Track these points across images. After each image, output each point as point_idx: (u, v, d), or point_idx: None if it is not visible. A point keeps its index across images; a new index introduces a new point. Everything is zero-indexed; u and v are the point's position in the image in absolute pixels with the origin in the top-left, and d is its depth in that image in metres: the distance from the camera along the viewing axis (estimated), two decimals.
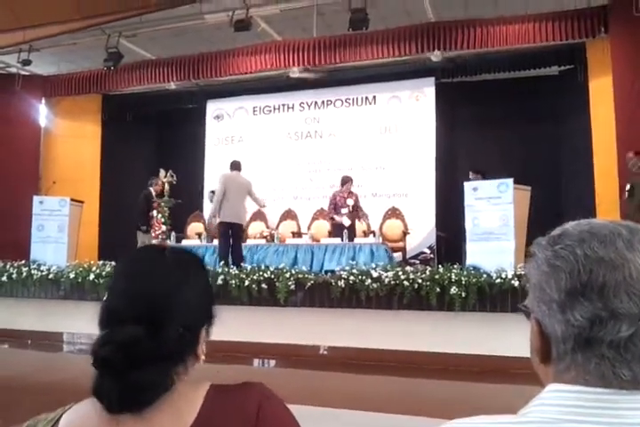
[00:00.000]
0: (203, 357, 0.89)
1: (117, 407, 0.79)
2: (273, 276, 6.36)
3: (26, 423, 0.89)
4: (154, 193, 9.03)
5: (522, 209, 6.41)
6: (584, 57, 8.07)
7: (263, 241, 8.60)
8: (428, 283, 5.72)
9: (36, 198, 8.24)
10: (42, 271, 7.45)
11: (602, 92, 7.49)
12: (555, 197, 8.28)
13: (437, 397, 4.43)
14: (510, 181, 6.30)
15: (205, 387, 0.85)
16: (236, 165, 7.79)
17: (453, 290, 5.59)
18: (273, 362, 6.24)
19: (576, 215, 0.72)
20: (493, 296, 5.54)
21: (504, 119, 9.24)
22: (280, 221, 9.68)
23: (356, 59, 8.62)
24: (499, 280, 5.52)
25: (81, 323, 6.65)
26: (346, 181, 8.29)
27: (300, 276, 6.30)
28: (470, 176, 8.00)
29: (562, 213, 7.91)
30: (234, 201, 7.45)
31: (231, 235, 7.47)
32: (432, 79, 9.70)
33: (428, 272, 5.88)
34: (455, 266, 5.98)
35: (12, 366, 5.92)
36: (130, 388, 0.77)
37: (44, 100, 10.59)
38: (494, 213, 6.29)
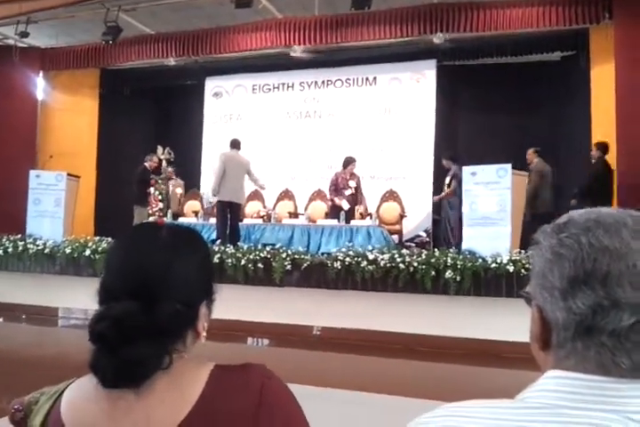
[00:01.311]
0: (204, 333, 0.90)
1: (112, 382, 0.79)
2: (269, 256, 6.38)
3: (29, 396, 0.90)
4: (149, 168, 9.06)
5: (519, 195, 6.43)
6: (587, 43, 8.01)
7: (260, 221, 8.60)
8: (424, 266, 5.75)
9: (32, 172, 8.21)
10: (37, 246, 7.46)
11: (603, 80, 7.44)
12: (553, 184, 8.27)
13: (430, 379, 4.49)
14: (509, 166, 6.30)
15: (210, 367, 0.85)
16: (235, 144, 7.77)
17: (448, 274, 5.62)
18: (267, 341, 6.29)
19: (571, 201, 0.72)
20: (488, 281, 5.58)
21: (504, 104, 9.18)
22: (277, 202, 9.66)
23: (357, 39, 8.52)
24: (494, 265, 5.56)
25: (76, 298, 6.66)
26: (349, 162, 8.26)
27: (297, 256, 6.33)
28: (443, 162, 8.13)
29: (559, 198, 7.90)
30: (232, 180, 7.44)
31: (229, 213, 7.48)
32: (433, 61, 9.62)
33: (423, 255, 5.91)
34: (451, 250, 6.01)
35: (6, 339, 5.96)
36: (124, 363, 0.78)
37: (41, 73, 10.46)
38: (492, 198, 6.30)
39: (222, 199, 7.50)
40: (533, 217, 6.89)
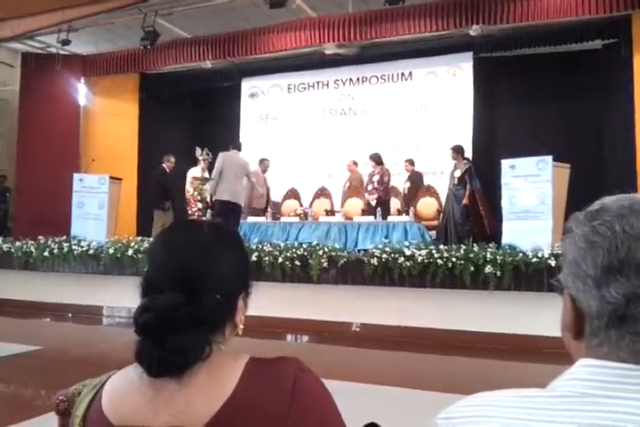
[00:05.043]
0: (241, 326, 0.92)
1: (157, 371, 0.82)
2: (306, 253, 6.41)
3: (72, 387, 0.93)
4: (167, 170, 9.20)
5: (560, 187, 6.27)
6: (629, 30, 7.74)
7: (297, 219, 8.65)
8: (463, 262, 5.69)
9: (76, 176, 8.43)
10: (82, 247, 7.67)
11: None
12: (595, 175, 8.05)
13: (469, 375, 4.44)
14: (549, 158, 6.17)
15: (245, 359, 0.87)
16: (235, 145, 7.92)
17: (488, 269, 5.54)
18: (306, 338, 6.32)
19: (616, 193, 0.70)
20: (529, 275, 5.48)
21: (544, 95, 8.98)
22: (314, 199, 9.69)
23: (392, 34, 8.46)
24: (535, 259, 5.45)
25: (120, 297, 6.86)
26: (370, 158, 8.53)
27: (333, 253, 6.33)
28: (451, 155, 8.18)
29: (602, 191, 7.64)
30: (230, 180, 7.54)
31: (229, 213, 7.52)
32: (470, 54, 9.48)
33: (462, 251, 5.84)
34: (490, 245, 5.92)
35: (54, 338, 6.15)
36: (169, 352, 0.80)
37: (83, 80, 10.74)
38: (532, 191, 6.18)
39: (219, 198, 7.56)
40: None
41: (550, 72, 8.90)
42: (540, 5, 7.58)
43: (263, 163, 9.45)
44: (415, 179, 8.93)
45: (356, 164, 9.35)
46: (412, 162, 8.99)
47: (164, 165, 9.24)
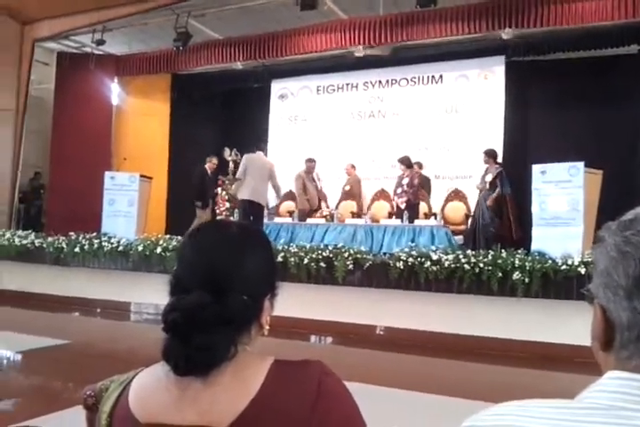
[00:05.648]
0: (267, 327, 0.93)
1: (184, 369, 0.82)
2: (331, 255, 6.41)
3: (100, 383, 0.95)
4: (209, 170, 9.31)
5: (592, 194, 6.16)
6: None
7: (323, 220, 8.65)
8: (490, 267, 5.62)
9: (107, 174, 8.58)
10: (112, 244, 7.79)
11: None
12: (628, 181, 7.89)
13: (494, 382, 4.39)
14: (581, 164, 6.07)
15: (270, 361, 0.88)
16: (260, 147, 8.03)
17: (516, 275, 5.47)
18: (329, 339, 6.32)
19: None
20: (558, 283, 5.38)
21: (577, 100, 8.82)
22: (340, 201, 9.69)
23: (423, 37, 8.40)
24: (564, 267, 5.36)
25: (147, 294, 6.94)
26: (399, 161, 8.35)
27: (359, 256, 6.32)
28: (484, 159, 8.02)
29: (635, 197, 7.53)
30: (254, 180, 7.60)
31: (251, 214, 7.59)
32: (502, 58, 9.38)
33: (490, 256, 5.77)
34: (519, 251, 5.84)
35: (83, 333, 6.25)
36: (196, 350, 0.81)
37: (116, 79, 10.91)
38: (562, 197, 6.08)
39: (242, 198, 7.67)
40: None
41: (584, 76, 8.74)
42: (574, 9, 7.45)
43: (306, 164, 9.40)
44: (423, 181, 8.75)
45: (354, 167, 9.57)
46: (420, 165, 8.85)
47: (205, 165, 9.38)
